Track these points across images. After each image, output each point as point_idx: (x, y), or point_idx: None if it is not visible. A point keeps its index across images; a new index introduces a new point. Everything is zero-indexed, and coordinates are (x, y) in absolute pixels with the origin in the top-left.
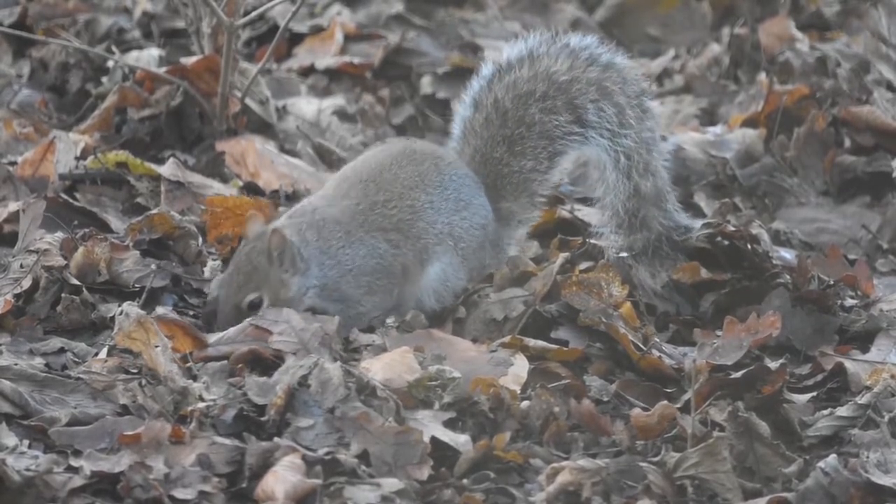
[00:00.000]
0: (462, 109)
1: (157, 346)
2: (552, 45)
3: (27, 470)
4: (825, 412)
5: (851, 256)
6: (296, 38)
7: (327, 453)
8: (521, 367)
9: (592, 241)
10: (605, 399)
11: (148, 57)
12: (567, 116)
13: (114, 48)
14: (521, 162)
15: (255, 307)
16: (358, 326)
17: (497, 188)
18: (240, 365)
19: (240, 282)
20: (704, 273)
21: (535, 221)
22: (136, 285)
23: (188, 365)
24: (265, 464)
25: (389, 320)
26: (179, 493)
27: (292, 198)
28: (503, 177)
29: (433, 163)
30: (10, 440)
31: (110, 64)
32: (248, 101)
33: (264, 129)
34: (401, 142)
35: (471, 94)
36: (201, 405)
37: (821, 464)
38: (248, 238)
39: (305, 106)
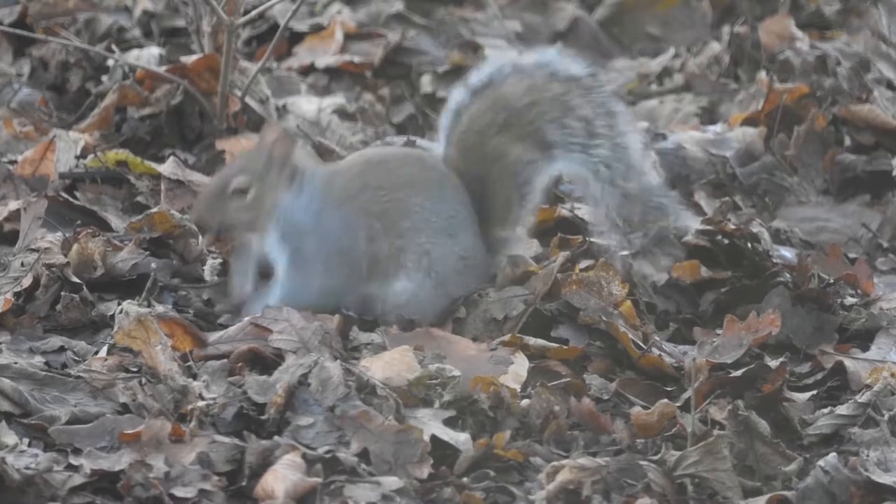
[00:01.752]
0: (438, 146)
1: (157, 345)
2: (511, 68)
3: (27, 468)
4: (825, 410)
5: (851, 255)
6: (296, 37)
7: (327, 452)
8: (521, 365)
9: (592, 239)
10: (605, 397)
11: (148, 56)
12: (525, 144)
13: (114, 47)
14: (493, 201)
15: (239, 192)
16: (295, 302)
17: (482, 219)
18: (240, 363)
19: (234, 167)
20: (704, 271)
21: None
22: (132, 274)
23: (188, 363)
24: (265, 462)
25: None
26: (179, 492)
27: None
28: (485, 209)
29: (440, 175)
30: (10, 439)
31: (110, 63)
32: (248, 99)
33: None
34: (419, 149)
35: (442, 128)
36: (201, 403)
37: (821, 462)
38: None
39: (305, 105)
